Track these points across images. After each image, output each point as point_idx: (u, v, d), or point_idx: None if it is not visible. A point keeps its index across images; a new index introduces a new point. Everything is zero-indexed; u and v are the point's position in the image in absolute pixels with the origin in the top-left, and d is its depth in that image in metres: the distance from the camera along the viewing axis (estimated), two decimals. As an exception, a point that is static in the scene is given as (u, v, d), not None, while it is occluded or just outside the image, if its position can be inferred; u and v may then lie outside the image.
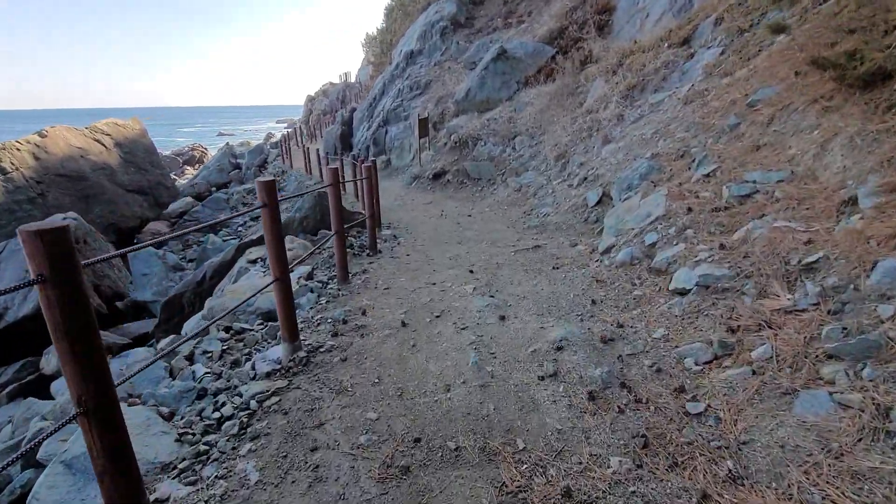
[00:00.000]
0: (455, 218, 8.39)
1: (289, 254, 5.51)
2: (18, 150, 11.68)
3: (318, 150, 14.93)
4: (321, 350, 3.37)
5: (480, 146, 11.50)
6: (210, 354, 3.45)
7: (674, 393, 2.61)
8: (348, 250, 5.97)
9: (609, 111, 8.95)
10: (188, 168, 41.07)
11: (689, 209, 4.11)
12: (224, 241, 13.74)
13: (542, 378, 2.85)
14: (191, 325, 4.83)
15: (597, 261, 4.82)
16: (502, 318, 3.68)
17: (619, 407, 2.55)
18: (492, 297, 4.14)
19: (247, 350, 3.52)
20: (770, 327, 2.72)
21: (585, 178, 7.06)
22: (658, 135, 6.43)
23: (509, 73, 12.81)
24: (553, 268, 4.88)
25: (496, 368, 3.00)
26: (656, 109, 7.72)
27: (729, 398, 2.44)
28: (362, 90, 33.92)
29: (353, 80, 44.35)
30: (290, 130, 33.50)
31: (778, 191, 3.62)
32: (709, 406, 2.45)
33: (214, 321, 3.34)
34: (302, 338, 3.54)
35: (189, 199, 19.07)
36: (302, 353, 3.28)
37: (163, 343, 4.94)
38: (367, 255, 6.02)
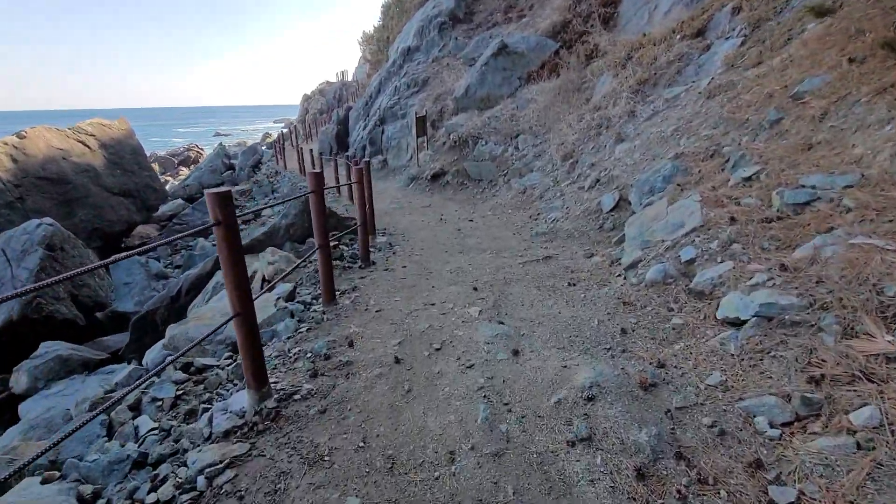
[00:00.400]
0: (455, 223, 7.74)
1: (270, 268, 4.87)
2: (-6, 152, 11.03)
3: (311, 150, 14.27)
4: (295, 397, 2.73)
5: (481, 145, 10.85)
6: (161, 403, 2.80)
7: (748, 469, 1.97)
8: (338, 262, 5.32)
9: (619, 107, 8.30)
10: (183, 169, 40.34)
11: (733, 219, 3.47)
12: (213, 245, 13.08)
13: (573, 444, 2.21)
14: (153, 354, 4.19)
15: (618, 276, 4.18)
16: (515, 352, 3.04)
17: (678, 491, 1.91)
18: (501, 323, 3.49)
19: (207, 395, 2.88)
20: (869, 380, 2.08)
21: (598, 181, 6.41)
22: (679, 132, 5.79)
23: (510, 69, 12.15)
24: (569, 284, 4.24)
25: (512, 427, 2.36)
26: (672, 105, 7.08)
27: (829, 482, 1.80)
28: (359, 89, 33.23)
29: (349, 78, 43.65)
30: (285, 130, 32.80)
31: (847, 198, 2.98)
32: (801, 494, 1.81)
33: (169, 362, 2.70)
34: (274, 379, 2.90)
35: (180, 201, 18.40)
36: (271, 403, 2.64)
37: (120, 375, 4.28)
38: (360, 267, 5.37)
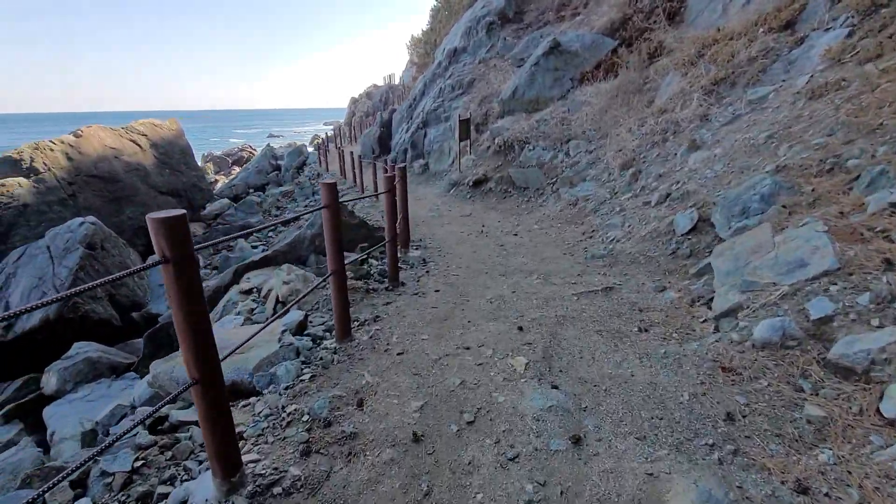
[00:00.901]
0: (498, 236, 6.91)
1: (285, 288, 4.22)
2: (52, 150, 11.22)
3: (351, 152, 13.82)
4: (276, 490, 2.00)
5: (528, 151, 9.94)
6: (111, 480, 2.16)
7: None
8: (361, 284, 4.61)
9: (689, 110, 7.20)
10: (236, 168, 41.51)
11: (888, 262, 2.46)
12: (253, 247, 12.86)
13: None
14: (139, 390, 3.62)
15: (704, 321, 3.23)
16: (577, 439, 2.19)
17: None
18: (555, 387, 2.64)
19: (170, 472, 2.20)
20: None
21: (668, 195, 5.39)
22: (775, 139, 4.70)
23: (563, 69, 11.16)
24: (640, 329, 3.32)
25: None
26: (759, 107, 5.94)
27: None
28: (404, 92, 32.92)
29: (396, 82, 43.59)
30: (331, 132, 33.00)
31: None
32: None
33: (125, 432, 2.07)
34: (255, 455, 2.19)
35: (226, 200, 18.52)
36: (241, 501, 1.93)
37: (103, 412, 3.73)
38: (386, 288, 4.65)
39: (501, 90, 13.14)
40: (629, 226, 5.51)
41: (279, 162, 24.14)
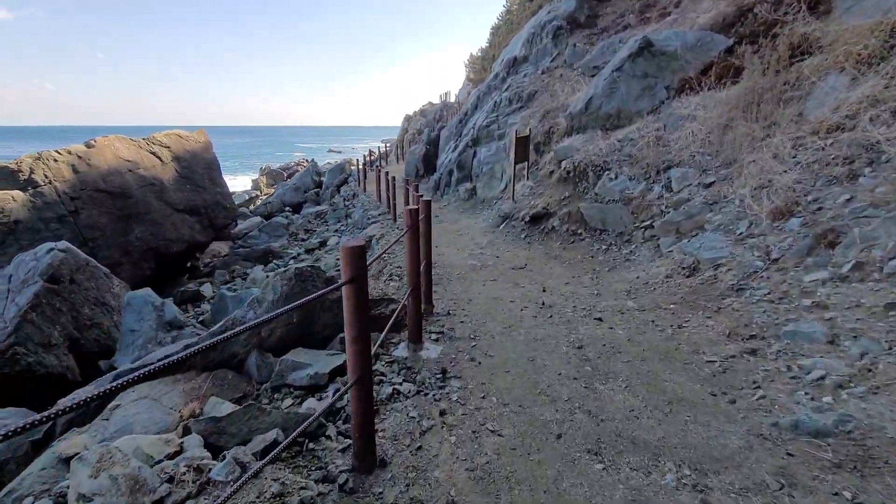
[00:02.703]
0: (570, 317, 4.38)
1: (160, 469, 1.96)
2: (56, 160, 10.04)
3: (387, 173, 11.78)
4: None
5: (607, 180, 7.36)
6: None
7: None
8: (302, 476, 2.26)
9: (888, 127, 4.44)
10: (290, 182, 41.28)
11: None
12: (267, 275, 11.02)
13: None
14: None
15: None
16: None
17: None
18: None
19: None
20: None
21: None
22: None
23: (655, 75, 8.55)
24: None
25: None
26: None
27: None
28: (459, 109, 31.12)
29: (452, 99, 42.06)
30: (383, 148, 31.67)
31: None
32: None
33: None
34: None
35: (258, 218, 17.12)
36: None
37: None
38: (384, 413, 2.30)
39: (570, 103, 10.69)
40: (866, 353, 2.82)
41: (322, 179, 22.80)
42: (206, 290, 11.17)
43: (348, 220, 14.22)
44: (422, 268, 4.29)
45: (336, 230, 13.72)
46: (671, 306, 4.17)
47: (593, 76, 11.11)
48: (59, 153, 10.26)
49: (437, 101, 46.71)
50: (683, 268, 4.75)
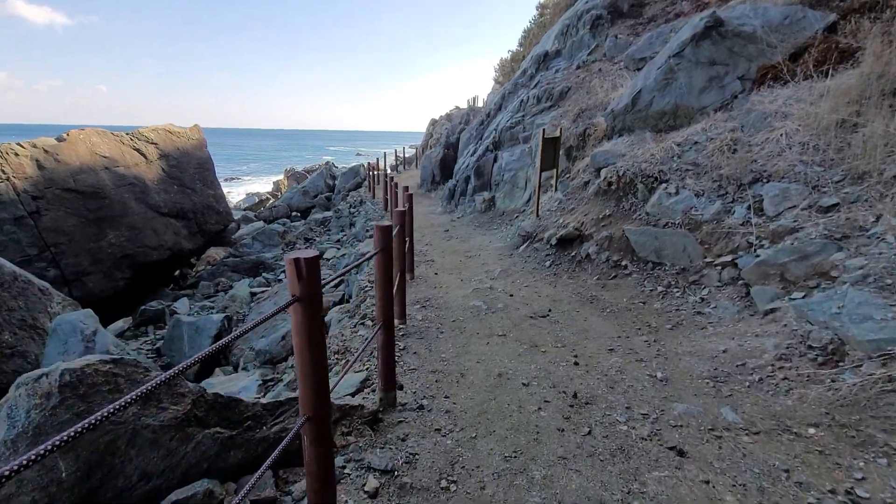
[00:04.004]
0: (618, 428, 2.61)
1: None
2: (16, 154, 8.87)
3: (391, 178, 10.18)
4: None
5: (664, 195, 5.51)
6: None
7: None
8: None
9: None
10: (311, 184, 40.34)
11: None
12: (253, 293, 9.58)
13: None
14: None
15: None
16: None
17: None
18: None
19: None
20: None
21: None
22: None
23: (726, 62, 6.66)
24: None
25: None
26: None
27: None
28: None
29: (480, 104, 40.46)
30: (402, 152, 30.36)
31: None
32: None
33: None
34: None
35: (261, 223, 15.81)
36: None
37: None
38: None
39: (611, 100, 8.87)
40: None
41: (336, 182, 21.47)
42: (182, 305, 9.76)
43: (352, 229, 12.70)
44: (380, 333, 2.62)
45: (338, 240, 12.19)
46: (810, 432, 2.32)
47: (639, 69, 9.26)
48: (22, 146, 9.08)
49: (464, 105, 45.17)
50: (812, 347, 2.89)
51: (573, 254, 6.00)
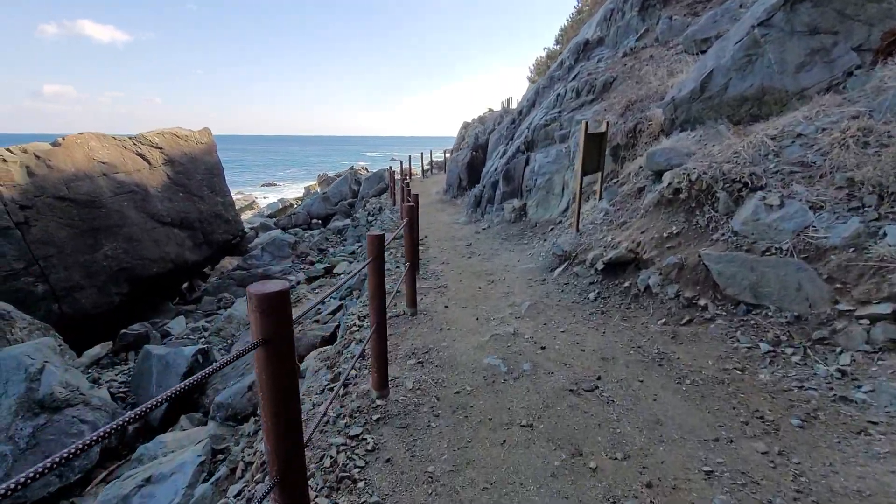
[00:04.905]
0: None
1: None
2: (4, 161, 8.19)
3: (406, 185, 8.93)
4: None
5: (760, 207, 3.95)
6: None
7: None
8: None
9: None
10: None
11: None
12: (248, 318, 8.46)
13: None
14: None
15: None
16: None
17: None
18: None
19: None
20: None
21: None
22: None
23: (834, 29, 5.01)
24: None
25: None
26: None
27: None
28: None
29: (514, 105, 38.93)
30: (450, 154, 29.27)
31: None
32: None
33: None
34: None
35: (277, 232, 14.94)
36: None
37: None
38: None
39: (668, 88, 7.30)
40: None
41: (360, 188, 20.52)
42: (177, 325, 8.83)
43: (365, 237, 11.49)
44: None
45: (352, 252, 11.04)
46: None
47: (703, 52, 7.63)
48: (11, 152, 8.43)
49: (498, 108, 43.72)
50: None
51: (626, 284, 4.52)
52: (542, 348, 3.61)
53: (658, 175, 5.47)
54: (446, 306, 4.79)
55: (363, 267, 2.77)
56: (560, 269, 5.58)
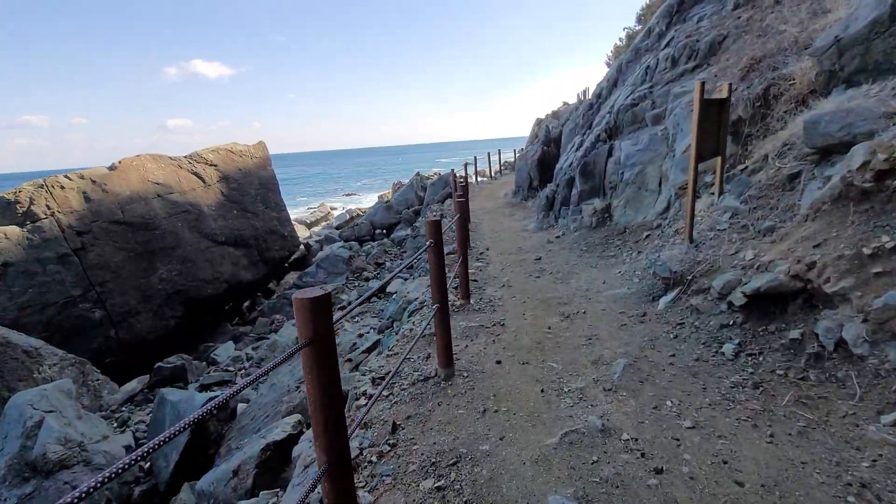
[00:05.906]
0: None
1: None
2: (62, 188, 8.20)
3: (462, 185, 7.55)
4: None
5: None
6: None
7: None
8: None
9: None
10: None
11: None
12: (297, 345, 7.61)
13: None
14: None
15: None
16: None
17: None
18: None
19: None
20: None
21: None
22: None
23: None
24: None
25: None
26: None
27: None
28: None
29: (590, 96, 35.94)
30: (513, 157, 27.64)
31: None
32: None
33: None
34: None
35: (335, 245, 14.32)
36: None
37: None
38: None
39: (815, 33, 5.19)
40: None
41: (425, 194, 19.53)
42: (224, 351, 8.24)
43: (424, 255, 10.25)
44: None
45: (409, 267, 9.87)
46: None
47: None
48: (69, 178, 8.43)
49: (573, 101, 40.83)
50: None
51: (793, 335, 2.72)
52: (658, 472, 2.01)
53: (824, 153, 3.54)
54: (498, 361, 3.31)
55: (418, 254, 1.47)
56: (667, 297, 3.84)
